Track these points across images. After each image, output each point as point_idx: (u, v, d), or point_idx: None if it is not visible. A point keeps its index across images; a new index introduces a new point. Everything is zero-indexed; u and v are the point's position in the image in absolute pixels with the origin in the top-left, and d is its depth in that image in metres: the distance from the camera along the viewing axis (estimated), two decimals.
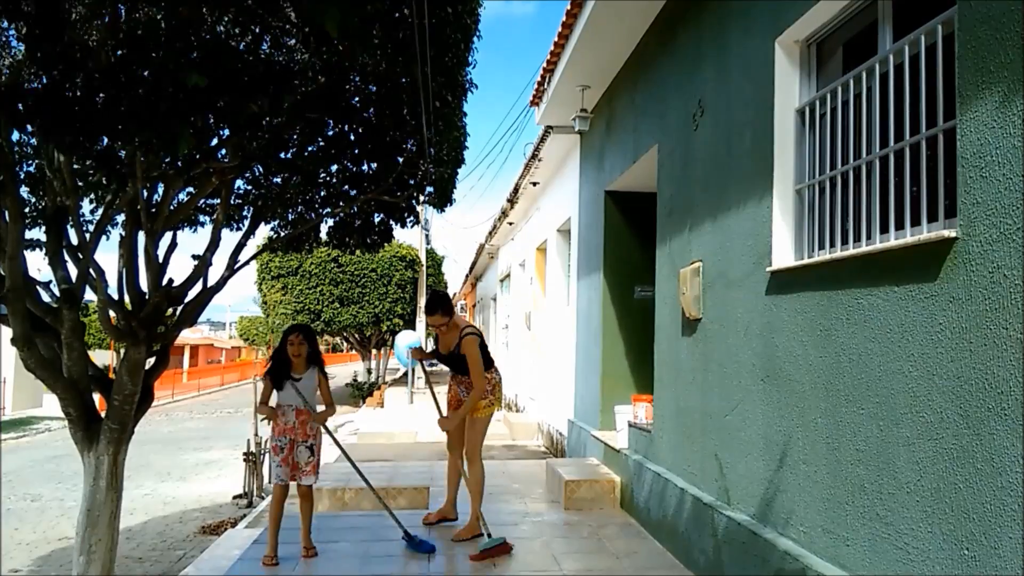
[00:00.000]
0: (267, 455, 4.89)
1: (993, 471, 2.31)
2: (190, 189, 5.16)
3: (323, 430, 4.90)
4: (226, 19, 3.75)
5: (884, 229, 3.08)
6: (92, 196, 5.00)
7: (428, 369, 6.06)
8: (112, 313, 4.70)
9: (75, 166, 4.24)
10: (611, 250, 7.49)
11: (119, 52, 3.43)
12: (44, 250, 4.63)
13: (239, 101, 3.57)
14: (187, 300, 5.07)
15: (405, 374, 22.24)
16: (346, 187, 5.84)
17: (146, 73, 3.36)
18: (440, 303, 5.27)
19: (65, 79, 3.25)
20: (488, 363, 5.33)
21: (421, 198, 6.53)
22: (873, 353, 2.93)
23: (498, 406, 5.49)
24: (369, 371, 26.31)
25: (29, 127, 3.54)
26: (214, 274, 6.53)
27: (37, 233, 4.97)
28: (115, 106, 3.19)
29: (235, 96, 3.52)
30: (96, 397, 4.74)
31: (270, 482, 4.99)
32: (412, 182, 5.99)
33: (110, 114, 3.20)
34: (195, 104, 3.39)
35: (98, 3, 3.33)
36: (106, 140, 3.50)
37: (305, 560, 4.77)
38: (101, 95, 3.23)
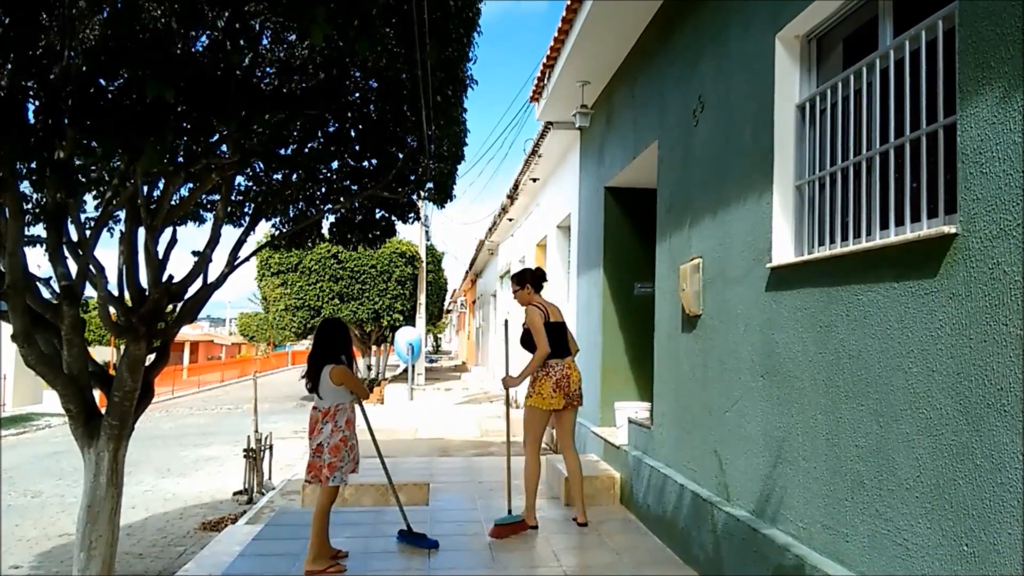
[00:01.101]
0: (336, 454, 4.48)
1: (992, 467, 2.32)
2: (190, 185, 5.15)
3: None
4: (224, 16, 3.72)
5: (884, 225, 3.08)
6: (94, 192, 4.99)
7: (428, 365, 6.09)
8: (112, 309, 4.69)
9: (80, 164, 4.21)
10: (611, 246, 7.49)
11: (89, 64, 3.38)
12: (44, 246, 4.62)
13: (206, 120, 3.51)
14: (187, 296, 5.07)
15: (405, 370, 22.27)
16: (347, 183, 5.84)
17: (115, 84, 3.33)
18: (518, 277, 5.66)
19: (39, 83, 3.21)
20: (552, 350, 5.35)
21: (421, 194, 6.53)
22: (873, 349, 2.93)
23: (540, 402, 5.35)
24: (369, 367, 26.33)
25: None
26: (214, 270, 6.53)
27: (37, 229, 4.96)
28: (81, 117, 3.15)
29: (202, 114, 3.46)
30: (96, 393, 4.74)
31: (340, 482, 4.50)
32: (412, 178, 5.99)
33: (74, 125, 3.16)
34: (163, 119, 3.33)
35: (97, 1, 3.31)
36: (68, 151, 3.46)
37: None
38: (65, 107, 3.18)
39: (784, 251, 3.80)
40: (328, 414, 4.52)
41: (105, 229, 4.92)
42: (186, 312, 5.08)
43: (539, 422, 5.47)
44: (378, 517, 5.70)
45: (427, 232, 23.78)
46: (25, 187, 4.58)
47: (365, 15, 3.64)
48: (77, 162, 3.77)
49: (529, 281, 5.58)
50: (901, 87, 2.99)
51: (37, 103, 3.24)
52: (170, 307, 5.01)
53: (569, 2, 6.51)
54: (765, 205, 3.90)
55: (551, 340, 5.37)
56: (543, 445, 11.12)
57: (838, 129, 3.48)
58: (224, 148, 4.65)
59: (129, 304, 4.71)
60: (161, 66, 3.16)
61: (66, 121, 3.17)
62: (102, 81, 3.39)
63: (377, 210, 6.43)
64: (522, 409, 5.49)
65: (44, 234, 4.63)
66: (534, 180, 11.86)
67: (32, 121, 3.19)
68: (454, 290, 38.79)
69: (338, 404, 4.52)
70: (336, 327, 4.74)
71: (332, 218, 6.37)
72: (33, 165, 4.15)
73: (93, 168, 4.02)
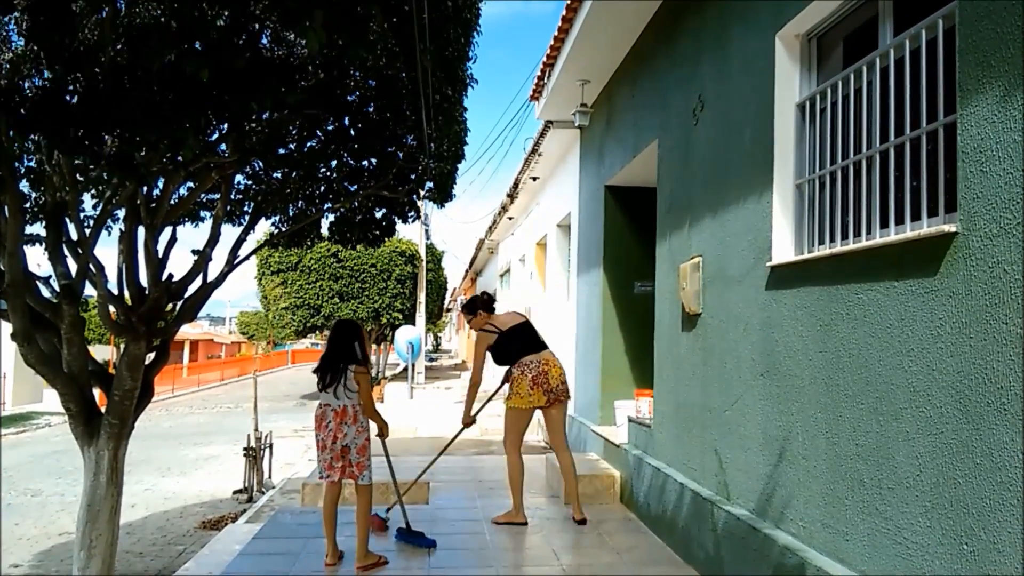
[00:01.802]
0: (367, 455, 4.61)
1: (992, 466, 2.32)
2: (190, 184, 5.15)
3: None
4: (224, 13, 3.72)
5: (884, 224, 3.08)
6: (93, 191, 4.99)
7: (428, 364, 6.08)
8: (112, 308, 4.70)
9: (78, 163, 4.21)
10: (611, 245, 7.49)
11: (120, 49, 3.40)
12: (44, 245, 4.62)
13: (241, 98, 3.53)
14: (187, 295, 5.07)
15: (405, 369, 22.27)
16: (346, 182, 5.84)
17: (148, 70, 3.33)
18: (467, 307, 5.76)
19: (67, 75, 3.22)
20: (512, 356, 5.47)
21: (421, 193, 6.53)
22: (873, 348, 2.93)
23: (520, 402, 5.41)
24: (369, 366, 26.28)
25: (32, 133, 3.50)
26: (214, 269, 6.53)
27: (37, 228, 4.97)
28: (118, 106, 3.16)
29: (237, 93, 3.48)
30: (96, 392, 4.74)
31: (367, 481, 4.58)
32: (412, 177, 5.99)
33: (113, 115, 3.17)
34: (198, 102, 3.36)
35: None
36: (111, 141, 3.47)
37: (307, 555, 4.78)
38: (103, 95, 3.20)
39: (784, 250, 3.80)
40: (347, 415, 4.50)
41: (105, 228, 4.93)
42: (186, 311, 5.08)
43: (518, 421, 5.50)
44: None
45: (427, 231, 23.79)
46: (24, 186, 4.58)
47: (358, 22, 3.64)
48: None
49: (480, 307, 5.67)
50: (901, 86, 2.99)
51: (76, 96, 3.25)
52: (170, 306, 5.01)
53: (569, 1, 6.50)
54: (765, 204, 3.90)
55: (514, 343, 5.49)
56: (543, 444, 11.14)
57: (838, 128, 3.47)
58: (223, 147, 4.65)
59: (129, 303, 4.71)
60: (193, 47, 3.18)
61: (105, 114, 3.17)
62: (135, 73, 3.39)
63: (377, 209, 6.43)
64: (506, 410, 5.51)
65: (44, 233, 4.63)
66: (534, 179, 11.85)
67: (76, 115, 3.19)
68: (454, 289, 38.78)
69: (355, 404, 4.53)
70: (355, 327, 4.74)
71: (332, 217, 6.38)
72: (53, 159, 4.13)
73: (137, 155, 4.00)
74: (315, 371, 4.62)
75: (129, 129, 3.24)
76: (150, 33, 3.29)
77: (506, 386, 5.53)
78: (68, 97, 3.26)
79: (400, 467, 7.37)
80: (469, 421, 5.60)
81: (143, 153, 3.72)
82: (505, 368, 5.56)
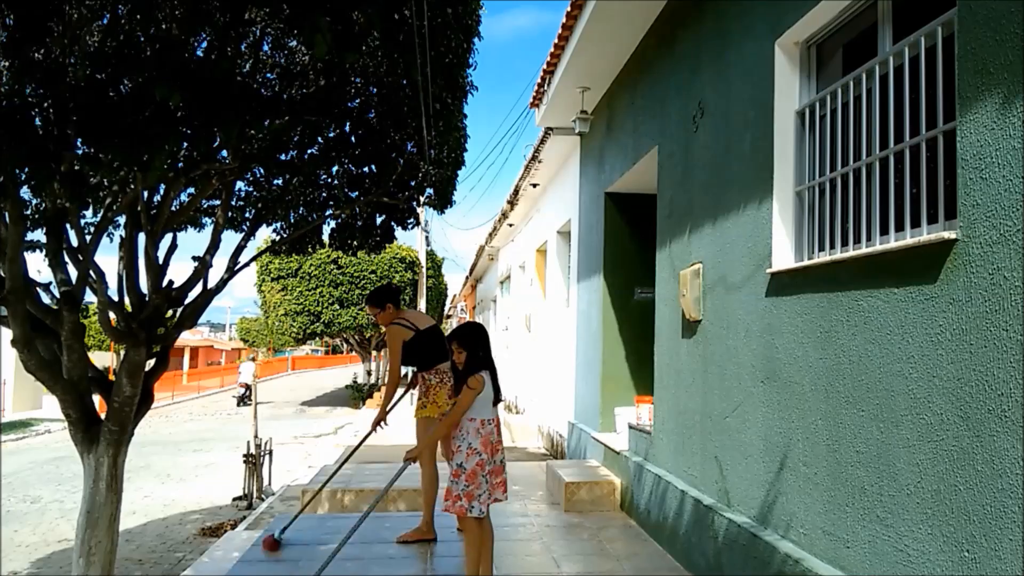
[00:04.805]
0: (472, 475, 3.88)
1: (993, 473, 2.31)
2: (191, 190, 5.16)
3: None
4: (222, 22, 3.73)
5: (884, 231, 3.08)
6: (96, 197, 4.99)
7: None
8: (112, 315, 4.69)
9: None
10: (611, 252, 7.49)
11: (97, 71, 3.39)
12: (44, 252, 4.62)
13: (208, 128, 3.46)
14: (187, 302, 5.07)
15: (405, 375, 22.27)
16: (347, 189, 5.84)
17: (121, 91, 3.33)
18: (375, 297, 5.00)
19: (39, 90, 3.21)
20: (425, 360, 4.91)
21: (421, 199, 6.54)
22: (873, 355, 2.93)
23: (435, 411, 4.85)
24: (369, 373, 26.32)
25: None
26: (214, 276, 6.54)
27: (38, 235, 4.97)
28: (87, 127, 3.13)
29: (205, 121, 3.42)
30: (96, 399, 4.74)
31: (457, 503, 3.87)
32: (412, 184, 6.00)
33: (80, 134, 3.15)
34: (169, 126, 3.32)
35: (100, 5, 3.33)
36: (76, 162, 3.44)
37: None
38: (71, 113, 3.15)
39: (784, 257, 3.80)
40: (500, 423, 4.06)
41: (105, 235, 4.93)
42: (186, 317, 5.08)
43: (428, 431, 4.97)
44: (377, 523, 5.67)
45: (427, 237, 23.80)
46: (25, 192, 4.59)
47: (349, 28, 3.65)
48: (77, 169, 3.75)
49: (388, 300, 4.98)
50: (901, 93, 3.00)
51: (43, 112, 3.24)
52: (170, 312, 5.01)
53: (569, 8, 6.52)
54: (765, 211, 3.90)
55: (430, 346, 4.91)
56: (545, 451, 11.13)
57: (838, 135, 3.48)
58: (224, 154, 4.66)
59: (129, 309, 4.71)
60: (167, 71, 3.17)
61: (72, 131, 3.16)
62: (108, 91, 3.39)
63: (377, 215, 6.43)
64: (419, 421, 4.97)
65: (44, 239, 4.63)
66: (534, 186, 11.87)
67: (40, 130, 3.18)
68: (454, 295, 38.77)
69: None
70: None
71: (333, 223, 6.38)
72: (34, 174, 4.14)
73: (93, 175, 4.01)
74: (484, 382, 3.87)
75: (94, 147, 3.21)
76: (128, 55, 3.28)
77: (412, 392, 5.04)
78: (34, 112, 3.22)
79: (390, 473, 7.35)
80: (381, 419, 4.98)
81: (105, 168, 3.68)
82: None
